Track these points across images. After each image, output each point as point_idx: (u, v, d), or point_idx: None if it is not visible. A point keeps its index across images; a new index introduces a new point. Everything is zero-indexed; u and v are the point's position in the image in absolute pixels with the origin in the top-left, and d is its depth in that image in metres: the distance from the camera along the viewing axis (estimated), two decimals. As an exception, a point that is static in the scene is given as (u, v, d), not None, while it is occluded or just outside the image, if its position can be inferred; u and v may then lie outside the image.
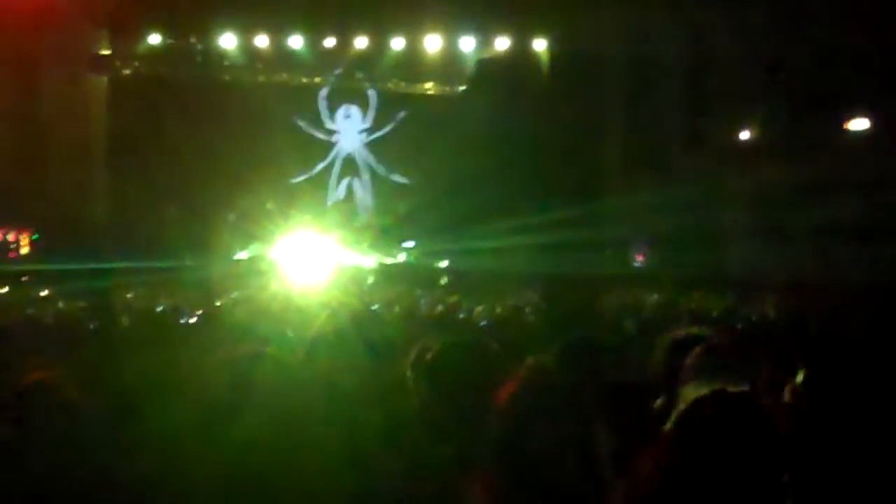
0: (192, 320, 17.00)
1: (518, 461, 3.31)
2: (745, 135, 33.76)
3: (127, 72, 35.19)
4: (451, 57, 36.48)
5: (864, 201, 28.12)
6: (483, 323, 16.58)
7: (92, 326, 13.03)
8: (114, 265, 27.94)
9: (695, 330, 5.87)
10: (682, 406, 3.19)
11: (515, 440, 3.33)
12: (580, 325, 6.78)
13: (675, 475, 3.03)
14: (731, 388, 3.24)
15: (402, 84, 37.65)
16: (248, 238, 32.96)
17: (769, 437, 3.03)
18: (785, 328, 12.38)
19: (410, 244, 35.46)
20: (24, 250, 31.63)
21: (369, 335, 5.24)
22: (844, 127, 31.13)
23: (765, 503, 2.98)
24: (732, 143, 33.60)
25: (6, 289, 23.57)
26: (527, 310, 18.92)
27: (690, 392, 3.25)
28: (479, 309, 19.25)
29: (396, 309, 18.30)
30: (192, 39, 35.36)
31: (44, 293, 22.72)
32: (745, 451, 2.97)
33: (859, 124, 30.92)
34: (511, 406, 3.42)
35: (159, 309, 19.43)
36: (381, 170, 37.92)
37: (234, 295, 23.46)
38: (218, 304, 20.34)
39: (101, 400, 4.84)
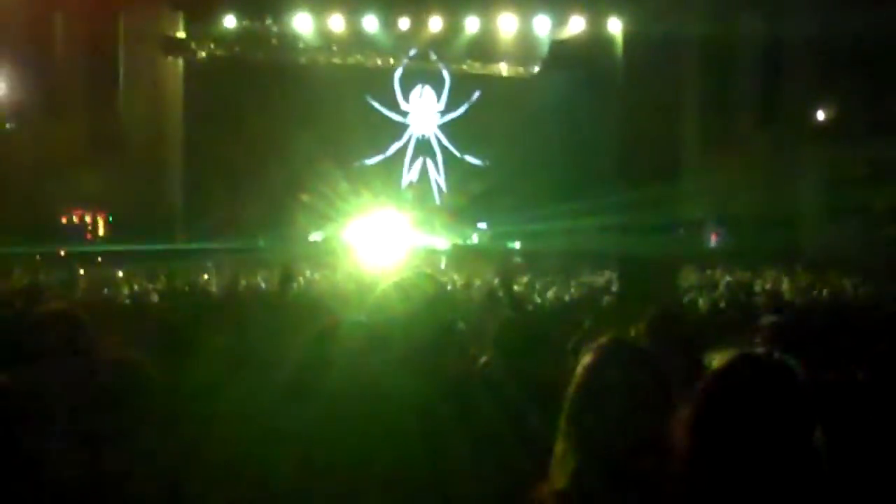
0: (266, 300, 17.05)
1: (594, 436, 3.28)
2: (821, 114, 33.45)
3: (202, 54, 35.39)
4: (525, 38, 36.41)
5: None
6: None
7: (168, 307, 13.11)
8: (188, 246, 28.15)
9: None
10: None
11: (592, 413, 3.31)
12: (657, 305, 6.74)
13: (704, 440, 3.01)
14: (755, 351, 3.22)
15: (477, 65, 37.62)
16: (321, 219, 33.04)
17: (793, 393, 3.01)
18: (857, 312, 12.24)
19: (483, 225, 35.45)
20: (101, 232, 31.91)
21: (443, 317, 5.22)
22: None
23: (796, 462, 2.96)
24: (809, 122, 33.31)
25: (83, 271, 23.74)
26: (601, 290, 18.87)
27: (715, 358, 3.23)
28: (552, 291, 19.21)
29: (470, 290, 18.27)
30: (268, 21, 35.46)
31: (119, 274, 22.88)
32: (769, 408, 2.95)
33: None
34: (588, 377, 3.39)
35: (232, 290, 19.56)
36: (454, 151, 37.89)
37: (308, 275, 23.59)
38: (292, 284, 20.40)
39: (180, 379, 4.87)
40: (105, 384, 3.82)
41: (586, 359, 3.44)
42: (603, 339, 3.52)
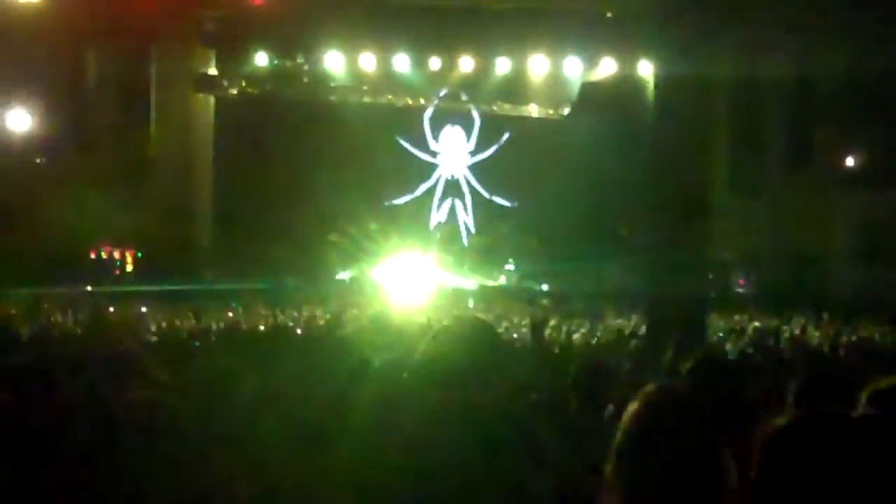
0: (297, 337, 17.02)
1: (642, 484, 3.22)
2: (852, 159, 33.37)
3: (234, 92, 35.48)
4: (555, 80, 36.40)
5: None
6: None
7: (196, 344, 13.09)
8: (216, 286, 28.18)
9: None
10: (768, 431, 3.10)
11: (640, 462, 3.25)
12: (686, 351, 6.69)
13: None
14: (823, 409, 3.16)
15: (507, 106, 37.63)
16: (349, 258, 33.05)
17: (863, 455, 2.92)
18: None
19: (511, 266, 35.37)
20: (129, 268, 31.95)
21: (489, 363, 5.16)
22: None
23: None
24: (839, 166, 33.23)
25: (112, 308, 23.74)
26: (630, 335, 18.79)
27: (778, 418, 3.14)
28: (579, 334, 19.13)
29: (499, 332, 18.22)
30: (299, 60, 35.54)
31: (146, 311, 22.89)
32: (841, 471, 2.88)
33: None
34: (638, 425, 3.33)
35: (261, 328, 19.56)
36: (483, 191, 37.86)
37: (336, 314, 23.58)
38: (321, 323, 20.42)
39: (208, 420, 4.82)
40: (136, 424, 3.77)
41: (634, 406, 3.38)
42: (650, 387, 3.46)
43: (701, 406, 3.40)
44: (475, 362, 4.34)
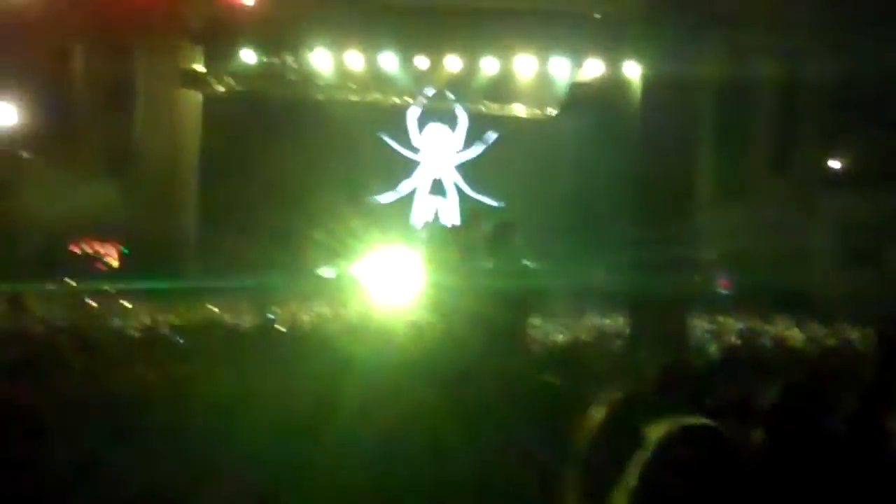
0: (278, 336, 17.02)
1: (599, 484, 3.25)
2: (834, 159, 33.47)
3: (221, 89, 35.43)
4: (542, 79, 36.42)
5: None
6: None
7: (181, 341, 13.09)
8: (201, 283, 28.11)
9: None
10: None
11: (605, 466, 3.27)
12: (669, 351, 6.72)
13: None
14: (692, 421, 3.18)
15: (493, 105, 37.62)
16: (332, 255, 33.02)
17: (729, 469, 2.97)
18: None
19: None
20: (114, 263, 31.83)
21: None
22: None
23: None
24: (822, 167, 33.32)
25: (95, 303, 23.71)
26: (612, 335, 18.80)
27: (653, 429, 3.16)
28: (560, 337, 19.14)
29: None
30: (286, 57, 35.54)
31: (130, 306, 22.89)
32: (708, 484, 2.92)
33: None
34: (602, 432, 3.36)
35: (245, 326, 19.55)
36: (468, 191, 37.84)
37: (319, 311, 23.58)
38: (305, 319, 20.44)
39: (190, 414, 4.84)
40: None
41: (599, 413, 3.39)
42: (616, 394, 3.48)
43: (664, 412, 3.41)
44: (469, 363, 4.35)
